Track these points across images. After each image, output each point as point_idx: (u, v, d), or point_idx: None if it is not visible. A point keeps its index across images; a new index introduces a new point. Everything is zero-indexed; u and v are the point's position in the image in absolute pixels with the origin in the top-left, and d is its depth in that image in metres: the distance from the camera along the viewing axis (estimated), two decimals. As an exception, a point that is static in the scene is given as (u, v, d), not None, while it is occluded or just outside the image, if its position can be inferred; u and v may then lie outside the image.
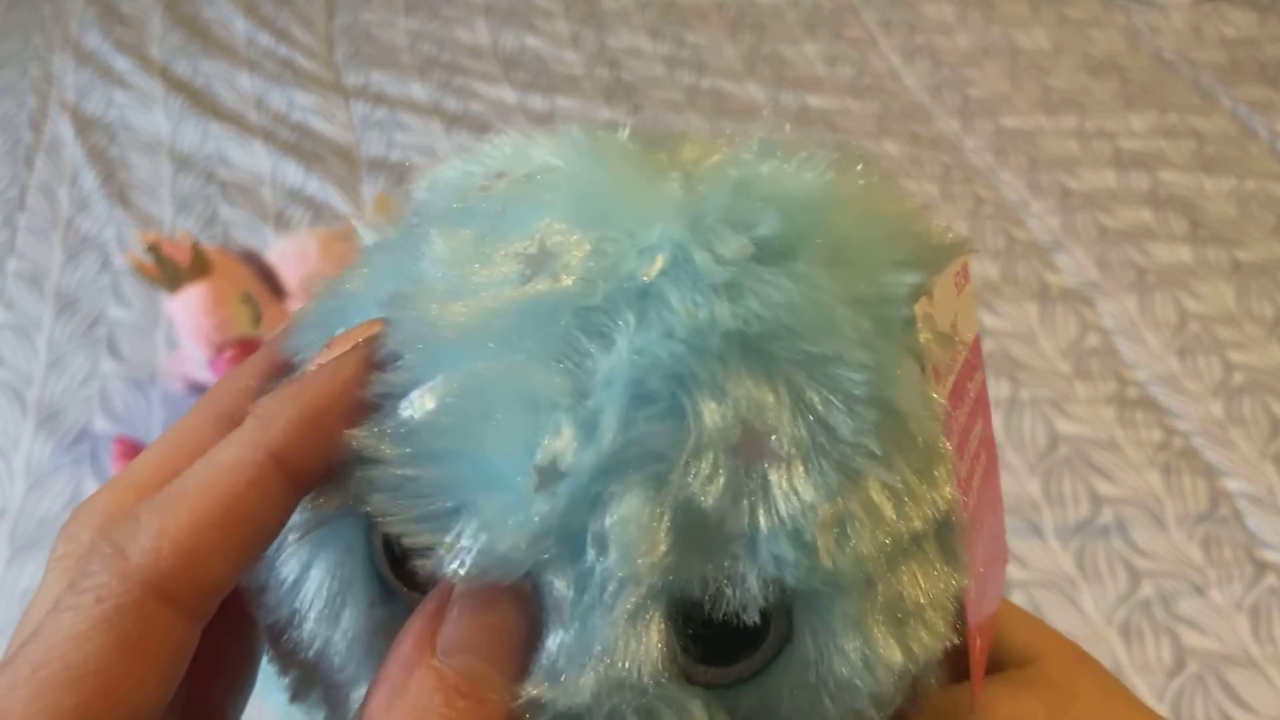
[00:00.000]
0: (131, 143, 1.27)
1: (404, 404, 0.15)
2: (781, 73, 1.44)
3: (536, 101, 1.36)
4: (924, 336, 0.16)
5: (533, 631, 0.15)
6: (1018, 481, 0.92)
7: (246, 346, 0.86)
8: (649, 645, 0.15)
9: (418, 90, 1.37)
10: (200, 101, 1.33)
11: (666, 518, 0.14)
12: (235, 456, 0.16)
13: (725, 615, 0.15)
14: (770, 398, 0.15)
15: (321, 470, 0.17)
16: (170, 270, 0.85)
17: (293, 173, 1.22)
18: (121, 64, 1.39)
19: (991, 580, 0.19)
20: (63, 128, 1.29)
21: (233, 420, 0.19)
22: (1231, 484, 0.93)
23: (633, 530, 0.14)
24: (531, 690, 0.15)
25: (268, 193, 1.21)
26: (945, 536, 0.17)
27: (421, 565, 0.15)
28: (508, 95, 1.36)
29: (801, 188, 0.16)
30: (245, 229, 1.16)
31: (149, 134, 1.29)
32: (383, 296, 0.17)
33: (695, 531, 0.14)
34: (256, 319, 0.88)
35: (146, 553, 0.15)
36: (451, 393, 0.15)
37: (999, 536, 0.20)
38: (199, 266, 0.85)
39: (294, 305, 0.93)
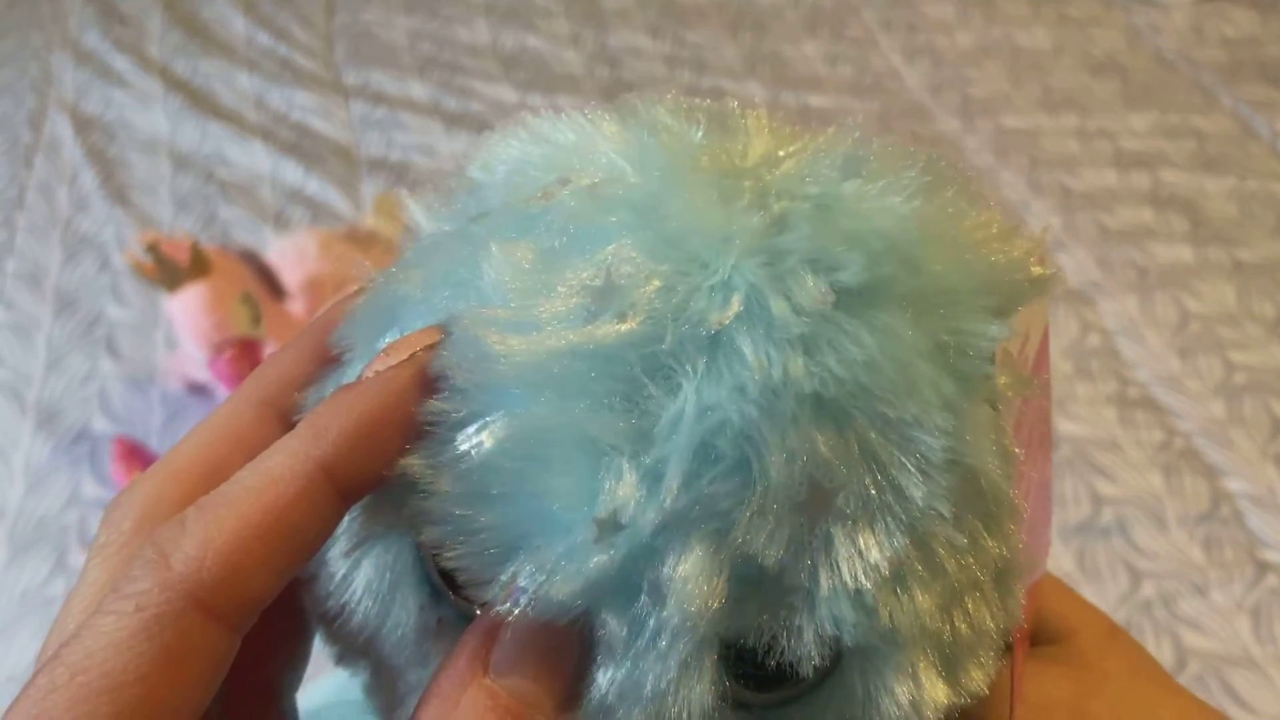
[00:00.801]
0: (131, 142, 1.27)
1: (461, 438, 0.15)
2: (782, 72, 1.44)
3: (536, 101, 1.36)
4: (1003, 380, 0.16)
5: (585, 662, 0.15)
6: (1018, 481, 0.92)
7: (246, 346, 0.86)
8: (701, 691, 0.14)
9: (417, 90, 1.36)
10: (199, 101, 1.33)
11: (725, 572, 0.14)
12: (286, 466, 0.16)
13: (779, 662, 0.15)
14: (841, 457, 0.14)
15: (372, 485, 0.16)
16: (169, 270, 0.85)
17: (292, 172, 1.22)
18: (121, 63, 1.39)
19: (1037, 548, 0.19)
20: (62, 127, 1.29)
21: (275, 408, 0.19)
22: (1232, 484, 0.93)
23: (691, 586, 0.14)
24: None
25: (267, 192, 1.21)
26: (1004, 579, 0.16)
27: (474, 594, 0.15)
28: (508, 95, 1.36)
29: (888, 220, 0.15)
30: (244, 228, 1.16)
31: (148, 133, 1.29)
32: (439, 307, 0.16)
33: (754, 585, 0.14)
34: (256, 319, 0.88)
35: (190, 561, 0.15)
36: (512, 435, 0.14)
37: (1044, 498, 0.19)
38: (198, 266, 0.85)
39: (293, 305, 0.93)
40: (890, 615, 0.14)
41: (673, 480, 0.14)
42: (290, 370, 0.19)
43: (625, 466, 0.14)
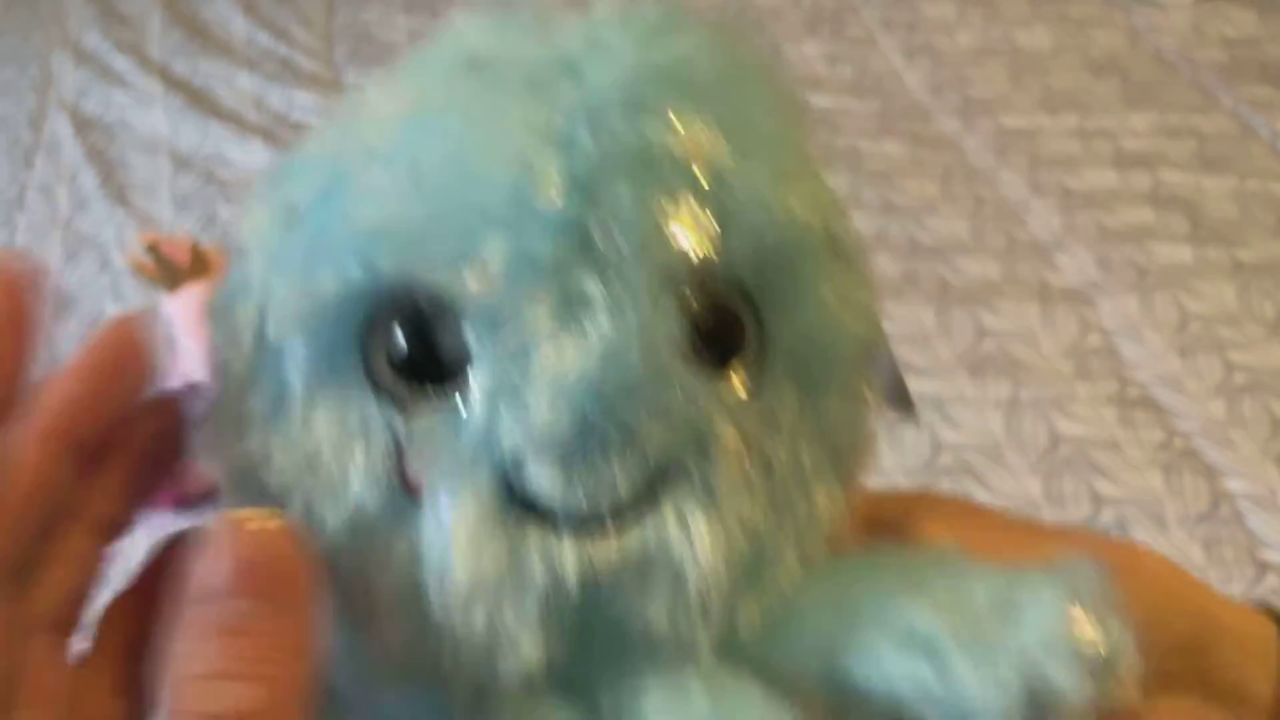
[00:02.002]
0: (131, 142, 1.27)
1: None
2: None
3: (536, 101, 1.36)
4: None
5: None
6: (1018, 482, 0.92)
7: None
8: (670, 316, 0.16)
9: (417, 90, 1.37)
10: (199, 101, 1.33)
11: (657, 200, 0.16)
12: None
13: (716, 300, 0.17)
14: (706, 115, 0.17)
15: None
16: (169, 270, 0.85)
17: (292, 172, 1.22)
18: (120, 63, 1.39)
19: None
20: (61, 127, 1.29)
21: (65, 442, 0.20)
22: (1233, 484, 0.93)
23: (630, 214, 0.16)
24: (584, 364, 0.15)
25: (267, 192, 1.21)
26: (852, 242, 0.20)
27: (447, 338, 0.16)
28: (508, 95, 1.36)
29: None
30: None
31: (148, 133, 1.29)
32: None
33: (682, 211, 0.16)
34: (256, 319, 0.88)
35: None
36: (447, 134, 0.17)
37: None
38: (198, 266, 0.85)
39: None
40: (788, 213, 0.17)
41: (584, 134, 0.16)
42: (73, 393, 0.20)
43: (540, 136, 0.16)
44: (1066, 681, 0.16)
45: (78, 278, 1.09)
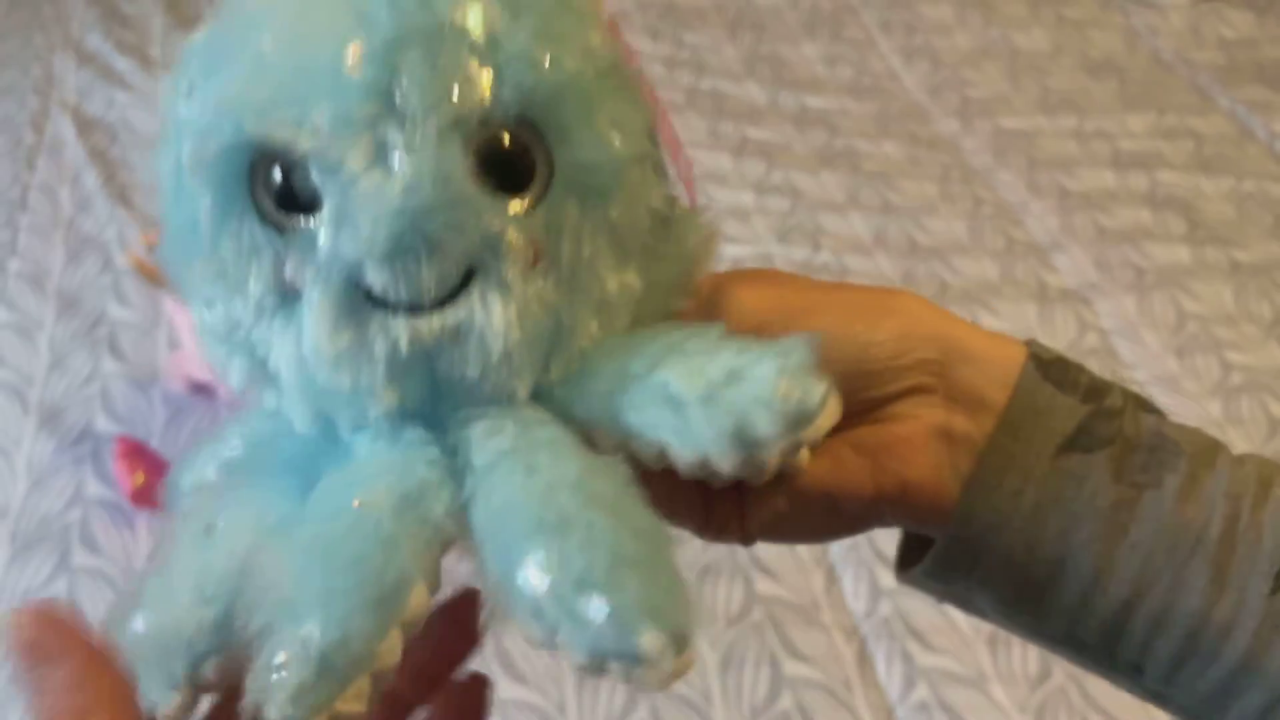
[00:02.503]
0: (133, 143, 1.28)
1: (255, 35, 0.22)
2: (781, 73, 1.45)
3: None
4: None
5: None
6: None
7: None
8: (454, 150, 0.21)
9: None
10: (201, 102, 1.34)
11: (441, 63, 0.21)
12: None
13: (501, 137, 0.22)
14: None
15: None
16: (171, 270, 0.85)
17: (293, 173, 1.23)
18: (123, 65, 1.39)
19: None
20: (64, 128, 1.29)
21: None
22: (1229, 483, 0.94)
23: (417, 72, 0.21)
24: (390, 194, 0.21)
25: (268, 193, 1.22)
26: (625, 80, 0.24)
27: (304, 180, 0.22)
28: (508, 96, 1.36)
29: None
30: (246, 229, 1.17)
31: (150, 134, 1.29)
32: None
33: (462, 71, 0.21)
34: (257, 319, 0.88)
35: None
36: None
37: (676, 146, 0.27)
38: (200, 266, 0.86)
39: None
40: (565, 65, 0.22)
41: (382, 13, 0.21)
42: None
43: (348, 16, 0.21)
44: (766, 429, 0.22)
45: (79, 278, 1.10)
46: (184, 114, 0.23)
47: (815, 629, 0.82)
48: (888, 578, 0.84)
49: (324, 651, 0.20)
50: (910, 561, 0.28)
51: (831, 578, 0.85)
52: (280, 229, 0.22)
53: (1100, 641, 0.26)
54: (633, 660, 0.20)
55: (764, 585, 0.84)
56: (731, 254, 1.14)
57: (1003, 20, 1.57)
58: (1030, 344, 0.27)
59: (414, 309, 0.22)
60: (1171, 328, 1.09)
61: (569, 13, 0.23)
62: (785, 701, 0.77)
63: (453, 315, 0.22)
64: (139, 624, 0.22)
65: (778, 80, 1.43)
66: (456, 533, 0.22)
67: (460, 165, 0.21)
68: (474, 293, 0.22)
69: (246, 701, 0.20)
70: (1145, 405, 0.27)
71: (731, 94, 1.40)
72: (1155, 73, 1.47)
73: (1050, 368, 0.27)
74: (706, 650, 0.80)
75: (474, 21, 0.21)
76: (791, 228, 1.19)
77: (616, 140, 0.23)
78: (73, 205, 1.19)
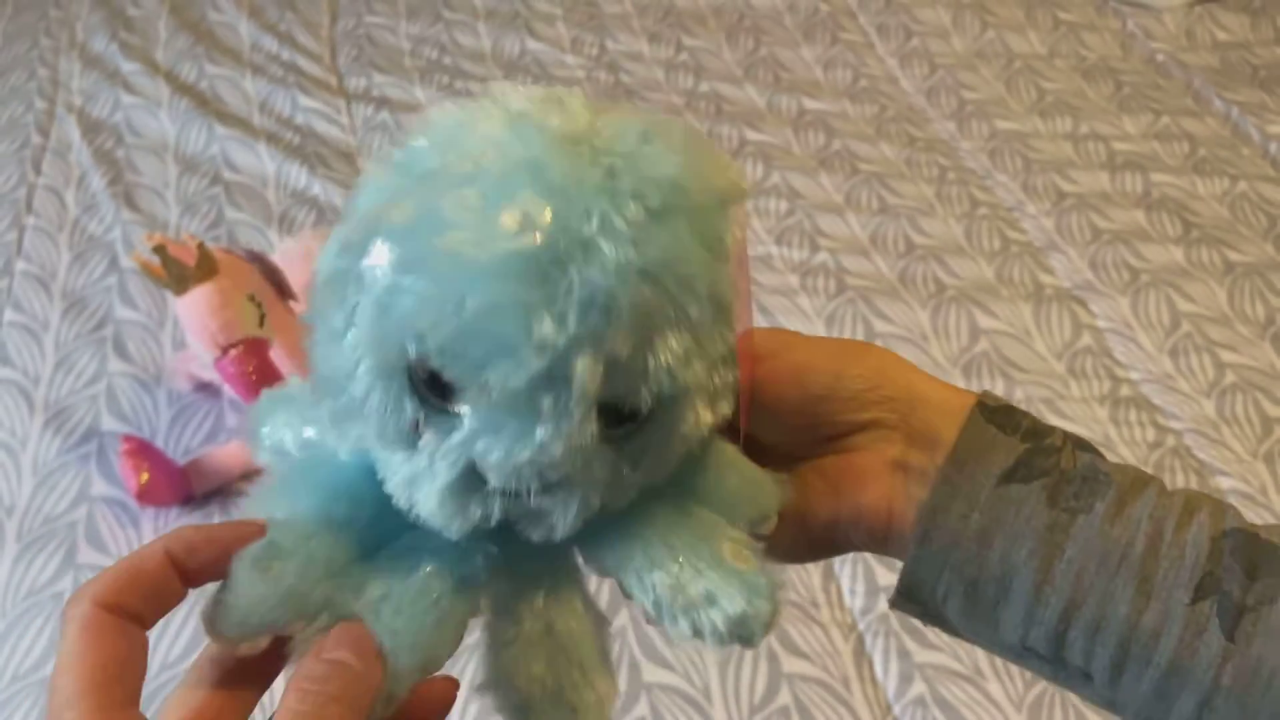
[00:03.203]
0: (138, 145, 1.29)
1: (448, 303, 0.25)
2: (779, 76, 1.46)
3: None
4: (730, 239, 0.28)
5: None
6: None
7: (252, 346, 0.88)
8: (591, 427, 0.26)
9: (419, 93, 1.38)
10: (205, 104, 1.35)
11: (601, 366, 0.25)
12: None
13: (630, 410, 0.27)
14: (657, 298, 0.26)
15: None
16: (177, 271, 0.86)
17: (296, 175, 1.24)
18: (128, 67, 1.40)
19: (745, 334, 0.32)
20: (70, 130, 1.31)
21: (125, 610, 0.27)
22: (1224, 482, 0.95)
23: (585, 375, 0.25)
24: (517, 449, 0.26)
25: (272, 194, 1.22)
26: (732, 355, 0.29)
27: (450, 401, 0.26)
28: (509, 99, 1.37)
29: (668, 167, 0.26)
30: (250, 230, 1.17)
31: (155, 136, 1.30)
32: (415, 230, 0.26)
33: (617, 369, 0.26)
34: (262, 319, 0.89)
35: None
36: (482, 303, 0.25)
37: (747, 315, 0.32)
38: (205, 267, 0.87)
39: (299, 306, 0.94)
40: (684, 377, 0.27)
41: (572, 319, 0.24)
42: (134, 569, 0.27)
43: (545, 315, 0.24)
44: (721, 636, 0.28)
45: (85, 278, 1.11)
46: (368, 280, 0.26)
47: (813, 626, 0.83)
48: (885, 575, 0.85)
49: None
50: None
51: (829, 575, 0.86)
52: (424, 400, 0.26)
53: (1050, 651, 0.29)
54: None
55: (762, 581, 0.85)
56: (730, 255, 1.15)
57: (999, 23, 1.58)
58: (982, 394, 0.32)
59: (510, 495, 0.27)
60: (1166, 328, 1.10)
61: (720, 321, 0.28)
62: (783, 698, 0.78)
63: (538, 503, 0.27)
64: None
65: (776, 83, 1.44)
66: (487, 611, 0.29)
67: (591, 437, 0.26)
68: (559, 495, 0.27)
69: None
70: (1083, 445, 0.31)
71: (730, 97, 1.41)
72: (1150, 75, 1.48)
73: (995, 413, 0.31)
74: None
75: (650, 342, 0.26)
76: (790, 229, 1.20)
77: (692, 435, 0.28)
78: (78, 207, 1.20)
